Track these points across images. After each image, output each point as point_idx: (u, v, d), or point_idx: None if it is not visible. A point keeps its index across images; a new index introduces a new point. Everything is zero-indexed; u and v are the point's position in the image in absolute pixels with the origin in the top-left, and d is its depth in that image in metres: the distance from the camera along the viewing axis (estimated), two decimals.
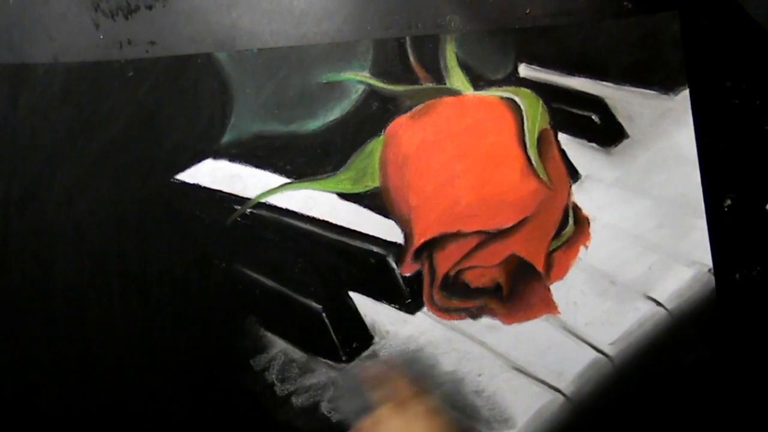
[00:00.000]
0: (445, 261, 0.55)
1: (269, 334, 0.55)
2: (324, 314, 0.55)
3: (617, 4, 0.58)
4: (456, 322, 0.55)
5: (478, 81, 0.57)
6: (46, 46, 0.59)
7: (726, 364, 0.53)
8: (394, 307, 0.55)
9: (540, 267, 0.55)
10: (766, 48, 0.57)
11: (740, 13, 0.57)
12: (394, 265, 0.55)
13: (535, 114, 0.56)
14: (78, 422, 0.56)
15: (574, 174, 0.56)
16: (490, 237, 0.55)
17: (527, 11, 0.58)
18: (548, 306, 0.55)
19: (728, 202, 0.55)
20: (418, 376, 0.54)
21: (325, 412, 0.54)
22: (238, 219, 0.56)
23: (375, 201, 0.56)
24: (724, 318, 0.53)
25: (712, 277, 0.54)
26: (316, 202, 0.56)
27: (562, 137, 0.56)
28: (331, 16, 0.58)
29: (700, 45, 0.57)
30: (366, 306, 0.55)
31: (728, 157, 0.56)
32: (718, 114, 0.56)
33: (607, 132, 0.56)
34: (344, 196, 0.56)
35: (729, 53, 0.57)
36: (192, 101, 0.58)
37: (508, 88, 0.57)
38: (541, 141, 0.56)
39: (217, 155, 0.57)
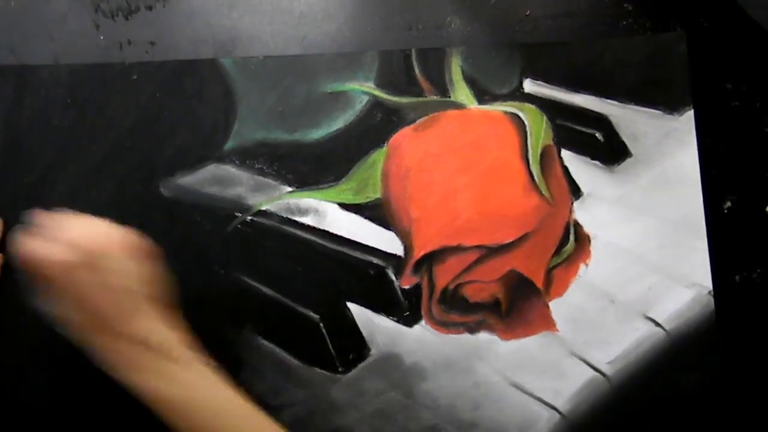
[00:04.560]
0: (445, 274, 0.55)
1: (266, 343, 0.55)
2: (321, 324, 0.55)
3: (618, 5, 0.58)
4: (454, 336, 0.55)
5: (482, 95, 0.57)
6: (47, 47, 0.59)
7: (725, 367, 0.53)
8: (392, 320, 0.55)
9: (539, 283, 0.55)
10: (766, 49, 0.57)
11: (740, 13, 0.57)
12: (393, 277, 0.55)
13: (539, 130, 0.56)
14: (76, 422, 0.56)
15: (576, 191, 0.56)
16: (490, 252, 0.55)
17: (527, 13, 0.58)
18: (547, 323, 0.54)
19: (728, 204, 0.55)
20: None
21: (319, 423, 0.54)
22: (239, 226, 0.56)
23: (376, 212, 0.56)
24: (723, 319, 0.53)
25: (712, 300, 0.54)
26: (317, 211, 0.56)
27: (565, 154, 0.56)
28: (331, 18, 0.58)
29: (701, 45, 0.57)
30: (364, 317, 0.55)
31: (728, 159, 0.56)
32: (719, 115, 0.56)
33: (610, 150, 0.56)
34: (345, 207, 0.56)
35: (729, 55, 0.57)
36: (196, 106, 0.58)
37: (513, 103, 0.57)
38: (544, 157, 0.56)
39: (219, 161, 0.57)
